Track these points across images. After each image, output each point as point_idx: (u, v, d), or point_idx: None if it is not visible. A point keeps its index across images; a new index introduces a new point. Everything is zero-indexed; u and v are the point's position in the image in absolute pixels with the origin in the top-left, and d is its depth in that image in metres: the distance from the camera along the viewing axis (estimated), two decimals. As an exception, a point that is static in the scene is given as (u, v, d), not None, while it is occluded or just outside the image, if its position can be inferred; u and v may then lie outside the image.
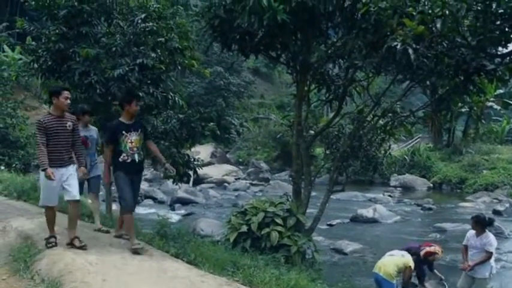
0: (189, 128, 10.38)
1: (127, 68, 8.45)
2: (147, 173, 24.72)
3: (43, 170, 5.41)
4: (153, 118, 9.98)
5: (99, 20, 9.16)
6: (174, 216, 14.97)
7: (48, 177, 5.34)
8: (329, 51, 8.00)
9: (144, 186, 19.59)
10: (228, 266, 5.59)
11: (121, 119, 5.99)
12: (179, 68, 9.78)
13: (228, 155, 34.70)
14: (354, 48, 7.11)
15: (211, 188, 22.39)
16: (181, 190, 18.00)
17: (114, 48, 8.72)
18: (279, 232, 7.42)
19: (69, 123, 5.63)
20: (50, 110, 5.71)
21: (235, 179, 25.92)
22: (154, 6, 9.00)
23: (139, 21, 8.85)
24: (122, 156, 5.83)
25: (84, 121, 6.79)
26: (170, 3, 9.40)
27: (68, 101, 5.62)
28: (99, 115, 8.87)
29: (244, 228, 7.58)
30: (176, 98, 9.47)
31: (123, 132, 5.82)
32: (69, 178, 5.60)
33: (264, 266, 5.95)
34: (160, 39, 8.96)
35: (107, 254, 5.45)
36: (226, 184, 24.14)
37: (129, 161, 5.84)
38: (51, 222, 5.71)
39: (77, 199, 5.64)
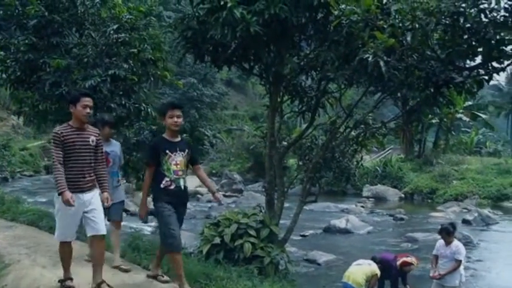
0: (162, 140, 10.27)
1: (99, 79, 8.34)
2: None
3: (60, 194, 4.39)
4: (125, 129, 9.87)
5: (70, 30, 9.04)
6: (147, 229, 14.73)
7: (67, 203, 4.36)
8: (302, 63, 8.06)
9: (116, 198, 19.28)
10: (201, 278, 5.54)
11: (164, 135, 5.04)
12: (152, 79, 9.72)
13: (201, 167, 34.50)
14: (326, 60, 7.18)
15: (185, 199, 22.16)
16: (154, 202, 17.76)
17: (85, 59, 8.61)
18: (252, 243, 7.39)
19: (92, 137, 4.66)
20: (70, 122, 4.71)
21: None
22: (127, 17, 8.94)
23: (112, 32, 8.77)
24: (164, 181, 4.88)
25: (104, 134, 5.72)
26: (143, 14, 9.34)
27: (88, 110, 4.62)
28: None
29: (217, 240, 7.53)
30: (149, 109, 9.40)
31: (167, 151, 4.88)
32: (93, 207, 4.64)
33: (237, 277, 5.91)
34: (133, 50, 8.89)
35: (76, 267, 5.33)
36: (199, 196, 23.95)
37: (172, 187, 4.89)
38: (66, 260, 4.84)
39: (103, 234, 4.70)
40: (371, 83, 7.47)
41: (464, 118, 32.29)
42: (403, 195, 24.65)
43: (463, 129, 37.55)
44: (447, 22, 6.20)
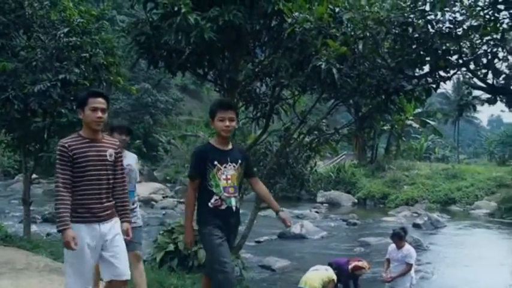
0: (114, 146, 10.08)
1: (48, 84, 8.10)
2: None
3: (59, 232, 3.34)
4: (76, 135, 9.63)
5: (17, 32, 8.76)
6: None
7: (67, 245, 3.29)
8: (256, 70, 8.11)
9: (66, 206, 18.79)
10: (154, 286, 5.46)
11: (212, 141, 4.03)
12: (104, 84, 9.52)
13: (155, 173, 34.10)
14: (280, 67, 7.25)
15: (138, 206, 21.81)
16: (107, 209, 17.39)
17: (34, 63, 8.34)
18: (207, 250, 7.33)
19: (109, 151, 3.59)
20: (81, 131, 3.62)
21: (163, 197, 25.45)
22: (78, 20, 8.73)
23: (62, 35, 8.54)
24: (212, 200, 3.88)
25: None
26: (95, 18, 9.14)
27: (99, 114, 3.49)
28: (17, 132, 8.45)
29: (171, 247, 7.45)
30: (101, 115, 9.21)
31: (215, 162, 3.87)
32: (113, 242, 3.54)
33: (191, 285, 5.86)
34: (85, 54, 8.69)
35: (22, 278, 5.15)
36: (153, 202, 23.65)
37: (223, 207, 3.89)
38: None
39: (126, 279, 3.61)
40: (324, 89, 7.58)
41: (414, 125, 33.24)
42: (356, 201, 25.10)
43: (413, 135, 38.65)
44: (397, 32, 6.39)
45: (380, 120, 22.63)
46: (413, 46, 6.51)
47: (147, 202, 23.62)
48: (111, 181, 3.62)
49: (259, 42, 8.08)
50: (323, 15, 6.23)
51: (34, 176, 10.43)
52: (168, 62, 7.72)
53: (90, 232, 3.42)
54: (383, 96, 7.30)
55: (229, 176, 3.90)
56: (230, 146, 4.02)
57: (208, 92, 52.24)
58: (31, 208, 9.36)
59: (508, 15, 6.11)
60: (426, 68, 6.98)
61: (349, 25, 6.53)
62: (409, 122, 32.40)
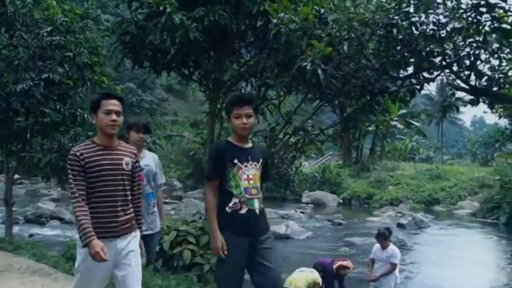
0: (98, 146, 10.01)
1: (31, 83, 8.01)
2: (54, 192, 23.60)
3: (85, 245, 3.03)
4: (60, 135, 9.53)
5: (-1, 30, 8.66)
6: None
7: (97, 257, 2.99)
8: (241, 70, 8.11)
9: (50, 206, 18.62)
10: None
11: (231, 139, 3.72)
12: (89, 83, 9.45)
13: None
14: (265, 67, 7.26)
15: (123, 207, 21.70)
16: (91, 210, 17.27)
17: (16, 62, 8.25)
18: (192, 251, 7.31)
19: (126, 159, 3.30)
20: (95, 137, 3.32)
21: (148, 197, 25.32)
22: (62, 19, 8.64)
23: (45, 34, 8.45)
24: (231, 203, 3.53)
25: (130, 142, 4.30)
26: (79, 17, 9.06)
27: (113, 117, 3.20)
28: (-1, 132, 8.36)
29: (156, 248, 7.40)
30: (85, 115, 9.12)
31: (235, 160, 3.56)
32: (126, 261, 3.25)
33: (176, 285, 5.83)
34: (68, 53, 8.60)
35: (2, 280, 5.08)
36: (138, 203, 23.51)
37: (243, 211, 3.52)
38: None
39: None
40: (309, 90, 7.61)
41: (399, 126, 33.53)
42: (341, 201, 25.21)
43: (397, 136, 38.96)
44: (381, 33, 6.43)
45: (365, 120, 22.81)
46: (398, 47, 6.56)
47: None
48: (128, 192, 3.32)
49: (244, 43, 8.08)
50: (308, 16, 6.25)
51: (16, 176, 10.29)
52: (153, 61, 7.69)
53: (106, 248, 3.05)
54: (368, 97, 7.34)
55: (251, 176, 3.56)
56: (250, 144, 3.72)
57: (193, 92, 52.14)
58: (13, 209, 9.25)
59: (490, 18, 6.19)
60: (410, 70, 7.04)
61: (334, 26, 6.55)
62: (393, 123, 32.66)
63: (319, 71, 6.13)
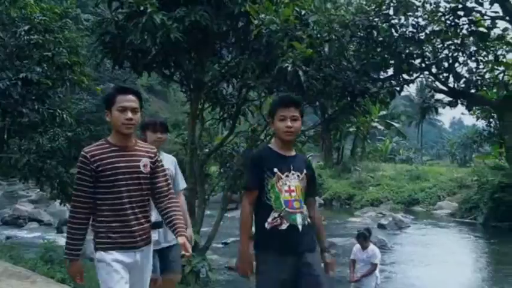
0: (78, 147, 9.90)
1: (8, 82, 7.90)
2: (32, 194, 23.25)
3: (70, 260, 2.88)
4: (38, 136, 9.41)
5: (-25, 29, 8.52)
6: (62, 239, 14.12)
7: (72, 275, 2.94)
8: (223, 71, 8.08)
9: (28, 208, 18.35)
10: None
11: (272, 145, 3.33)
12: (68, 83, 9.34)
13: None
14: (246, 68, 7.25)
15: (103, 208, 21.50)
16: (70, 211, 17.07)
17: (-7, 61, 8.14)
18: (173, 253, 7.27)
19: (143, 160, 2.96)
20: (109, 137, 3.01)
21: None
22: (40, 18, 8.53)
23: (23, 33, 8.34)
24: (270, 219, 3.12)
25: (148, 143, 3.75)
26: (58, 16, 8.95)
27: (129, 115, 2.88)
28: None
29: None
30: (64, 115, 9.03)
31: (275, 169, 3.15)
32: (139, 277, 2.98)
33: None
34: (47, 53, 8.51)
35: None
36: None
37: (284, 227, 3.10)
38: None
39: None
40: (290, 91, 7.60)
41: (379, 127, 33.82)
42: (322, 202, 25.33)
43: (378, 137, 39.30)
44: (362, 35, 6.50)
45: (346, 122, 22.85)
46: (378, 49, 6.63)
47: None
48: (147, 197, 2.98)
49: (225, 43, 8.07)
50: (289, 17, 6.26)
51: (-6, 177, 10.14)
52: (134, 62, 7.61)
53: (125, 260, 2.82)
54: (348, 98, 7.38)
55: (292, 188, 3.14)
56: (293, 152, 3.30)
57: (174, 93, 51.87)
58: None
59: (467, 21, 6.30)
60: (390, 71, 7.12)
61: (315, 28, 6.59)
62: (374, 124, 32.92)
63: (300, 72, 6.14)
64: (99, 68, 28.52)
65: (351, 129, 31.63)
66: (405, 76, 6.95)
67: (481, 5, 6.14)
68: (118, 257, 2.83)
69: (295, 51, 6.13)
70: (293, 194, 3.13)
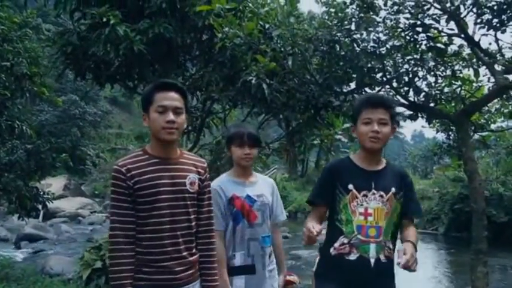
0: (38, 159, 9.67)
1: (-36, 93, 7.69)
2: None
3: None
4: (-5, 148, 9.18)
5: None
6: (20, 255, 13.76)
7: None
8: (187, 83, 8.05)
9: (-16, 223, 17.80)
10: (79, 306, 5.25)
11: (353, 155, 2.84)
12: (28, 95, 9.14)
13: (83, 187, 33.00)
14: (211, 81, 7.25)
15: (64, 222, 21.02)
16: (29, 226, 16.62)
17: (-52, 71, 7.90)
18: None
19: (191, 176, 2.45)
20: (147, 145, 2.53)
21: (91, 212, 24.66)
22: (-1, 27, 8.35)
23: (-19, 42, 8.14)
24: (337, 244, 2.66)
25: (235, 160, 3.40)
26: (17, 26, 8.77)
27: (170, 117, 2.34)
28: None
29: (99, 264, 7.19)
30: (24, 127, 8.82)
31: (350, 186, 2.63)
32: None
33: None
34: (5, 63, 8.31)
35: None
36: (80, 218, 22.84)
37: (352, 258, 2.58)
38: None
39: None
40: (255, 104, 7.65)
41: (343, 139, 34.28)
42: (287, 214, 25.35)
43: (342, 149, 39.73)
44: (324, 49, 6.59)
45: (310, 134, 23.15)
46: (340, 63, 6.73)
47: (73, 217, 22.78)
48: (194, 223, 2.43)
49: (190, 56, 8.06)
50: (253, 31, 6.30)
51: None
52: (96, 73, 7.51)
53: None
54: (312, 111, 7.46)
55: (370, 210, 2.56)
56: (381, 166, 2.70)
57: (138, 105, 51.17)
58: None
59: (426, 37, 6.49)
60: (353, 85, 7.23)
61: (278, 41, 6.65)
62: (338, 137, 33.35)
63: (264, 86, 6.18)
64: (60, 79, 28.06)
65: (315, 142, 31.95)
66: (367, 90, 7.07)
67: (438, 22, 6.33)
68: None
69: (259, 65, 6.17)
70: (369, 218, 2.55)
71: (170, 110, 2.34)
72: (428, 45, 6.55)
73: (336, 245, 2.62)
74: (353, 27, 6.47)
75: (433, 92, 7.09)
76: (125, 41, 6.37)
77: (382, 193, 2.59)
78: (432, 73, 6.91)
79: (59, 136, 32.26)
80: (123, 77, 7.74)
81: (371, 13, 6.43)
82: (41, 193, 10.14)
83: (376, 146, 2.60)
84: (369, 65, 6.56)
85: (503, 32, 6.16)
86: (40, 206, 10.20)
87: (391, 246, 2.61)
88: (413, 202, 2.77)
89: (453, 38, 6.61)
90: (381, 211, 2.57)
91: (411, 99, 7.04)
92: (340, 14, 6.54)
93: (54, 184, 24.55)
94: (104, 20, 6.40)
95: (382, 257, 2.57)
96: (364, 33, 6.43)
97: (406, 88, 6.93)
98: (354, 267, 2.54)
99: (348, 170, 2.66)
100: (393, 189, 2.62)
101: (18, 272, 6.13)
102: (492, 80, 6.85)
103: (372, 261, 2.54)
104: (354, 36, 6.51)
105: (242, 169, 3.30)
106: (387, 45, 6.61)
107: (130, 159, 2.39)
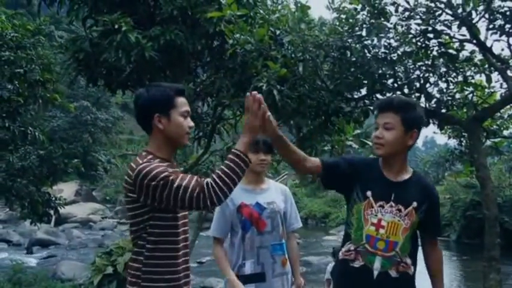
0: (50, 165, 9.76)
1: (-22, 100, 7.78)
2: (1, 213, 22.77)
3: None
4: (8, 154, 9.24)
5: None
6: (32, 260, 13.86)
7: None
8: (197, 90, 8.09)
9: (-3, 228, 17.97)
10: (90, 312, 5.27)
11: (381, 161, 2.61)
12: (40, 101, 9.23)
13: (94, 193, 33.21)
14: (221, 87, 7.27)
15: (76, 227, 21.18)
16: (41, 231, 16.76)
17: (-37, 77, 8.01)
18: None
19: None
20: (150, 148, 2.40)
21: (102, 217, 24.82)
22: (12, 34, 8.43)
23: (-6, 49, 8.24)
24: (345, 249, 2.57)
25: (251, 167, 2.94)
26: (31, 33, 8.87)
27: (192, 123, 2.41)
28: None
29: (110, 270, 7.23)
30: (36, 133, 8.90)
31: (368, 192, 2.50)
32: None
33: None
34: (19, 70, 8.40)
35: None
36: (91, 223, 23.00)
37: (356, 265, 2.49)
38: None
39: None
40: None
41: (354, 145, 34.10)
42: (298, 220, 25.36)
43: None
44: (335, 55, 6.58)
45: (320, 140, 23.11)
46: (351, 69, 6.72)
47: (85, 223, 22.91)
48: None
49: (200, 62, 8.09)
50: (264, 37, 6.31)
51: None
52: (108, 79, 7.57)
53: None
54: (323, 117, 7.45)
55: (383, 223, 2.42)
56: (407, 176, 2.53)
57: (150, 111, 51.47)
58: None
59: (437, 43, 6.46)
60: (364, 91, 7.21)
61: (289, 47, 6.65)
62: (349, 143, 33.15)
63: (275, 92, 6.18)
64: (72, 86, 28.30)
65: (325, 148, 31.72)
66: (378, 96, 7.05)
67: (450, 28, 6.30)
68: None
69: (269, 71, 6.17)
70: (381, 230, 2.42)
71: (189, 116, 2.37)
72: (439, 51, 6.51)
73: (344, 249, 2.56)
74: (364, 33, 6.46)
75: (445, 98, 7.04)
76: (136, 48, 6.42)
77: (400, 207, 2.45)
78: (444, 79, 6.87)
79: (71, 142, 32.53)
80: (135, 83, 7.79)
81: (382, 19, 6.42)
82: (53, 198, 10.22)
83: (378, 152, 2.47)
84: (380, 71, 6.53)
85: (516, 37, 6.13)
86: (52, 211, 10.28)
87: (408, 262, 2.49)
88: (438, 221, 2.62)
89: (465, 43, 6.57)
90: (395, 226, 2.43)
91: (422, 105, 7.00)
92: (351, 20, 6.54)
93: (66, 190, 24.74)
94: (116, 26, 6.45)
95: (392, 272, 2.44)
96: (375, 39, 6.41)
97: (417, 94, 6.89)
98: (356, 275, 2.48)
99: (372, 175, 2.52)
100: (415, 204, 2.46)
101: (30, 277, 6.18)
102: (505, 85, 6.79)
103: (375, 273, 2.43)
104: (365, 42, 6.49)
105: (255, 175, 3.27)
106: (398, 51, 6.59)
107: (147, 162, 2.25)
